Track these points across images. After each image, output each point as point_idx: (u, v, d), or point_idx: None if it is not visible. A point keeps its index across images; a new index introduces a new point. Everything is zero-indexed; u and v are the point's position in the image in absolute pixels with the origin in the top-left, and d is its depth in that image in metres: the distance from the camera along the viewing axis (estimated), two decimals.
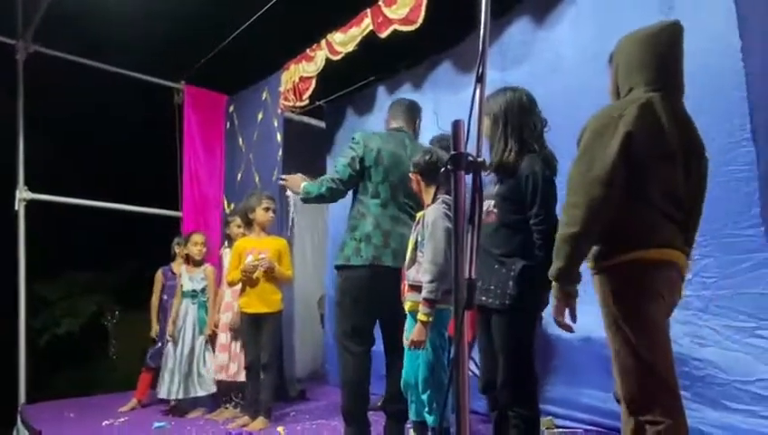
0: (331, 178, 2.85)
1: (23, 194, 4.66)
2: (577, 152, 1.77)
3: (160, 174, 5.16)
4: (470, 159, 1.37)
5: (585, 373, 3.12)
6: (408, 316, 2.59)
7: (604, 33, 2.48)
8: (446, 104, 4.03)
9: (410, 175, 2.64)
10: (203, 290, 4.21)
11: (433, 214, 2.46)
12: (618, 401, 1.77)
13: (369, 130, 4.80)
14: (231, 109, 5.69)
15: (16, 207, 4.64)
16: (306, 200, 2.96)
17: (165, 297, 4.42)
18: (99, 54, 5.19)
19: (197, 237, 4.31)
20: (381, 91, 4.70)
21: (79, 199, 5.14)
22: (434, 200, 2.54)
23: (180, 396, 4.00)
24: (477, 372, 3.48)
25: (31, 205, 4.75)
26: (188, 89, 5.70)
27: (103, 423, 3.88)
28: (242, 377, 3.85)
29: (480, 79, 1.45)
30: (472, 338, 3.30)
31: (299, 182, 2.97)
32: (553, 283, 1.79)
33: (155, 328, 4.38)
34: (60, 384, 6.63)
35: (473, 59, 3.83)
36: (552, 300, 1.84)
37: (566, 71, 3.40)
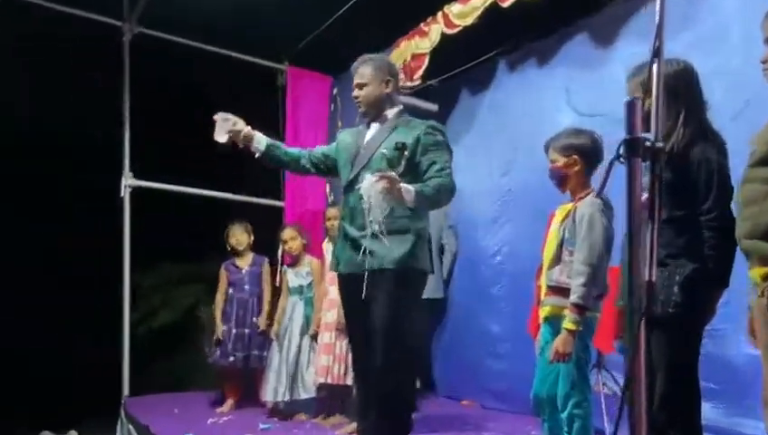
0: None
1: (128, 181, 5.02)
2: None
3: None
4: (647, 144, 1.31)
5: (750, 398, 2.91)
6: (545, 324, 2.56)
7: None
8: (579, 82, 3.92)
9: (559, 157, 2.54)
10: (309, 285, 4.34)
11: (590, 208, 2.40)
12: None
13: (484, 110, 4.81)
14: (335, 91, 5.82)
15: (122, 194, 5.01)
16: (433, 206, 2.88)
17: (231, 291, 4.58)
18: (201, 35, 5.47)
19: (287, 233, 4.46)
20: (502, 67, 4.62)
21: (181, 187, 5.48)
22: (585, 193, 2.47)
23: (287, 398, 4.16)
24: (618, 391, 3.38)
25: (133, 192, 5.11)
26: (292, 70, 5.89)
27: (208, 422, 4.12)
28: (349, 380, 3.94)
29: (657, 53, 1.37)
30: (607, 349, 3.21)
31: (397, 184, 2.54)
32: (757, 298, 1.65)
33: (219, 328, 4.50)
34: (156, 377, 7.14)
35: (613, 30, 3.75)
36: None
37: (729, 42, 3.18)
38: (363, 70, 2.91)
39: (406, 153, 2.77)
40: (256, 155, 2.97)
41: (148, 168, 5.24)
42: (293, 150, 3.12)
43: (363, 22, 5.11)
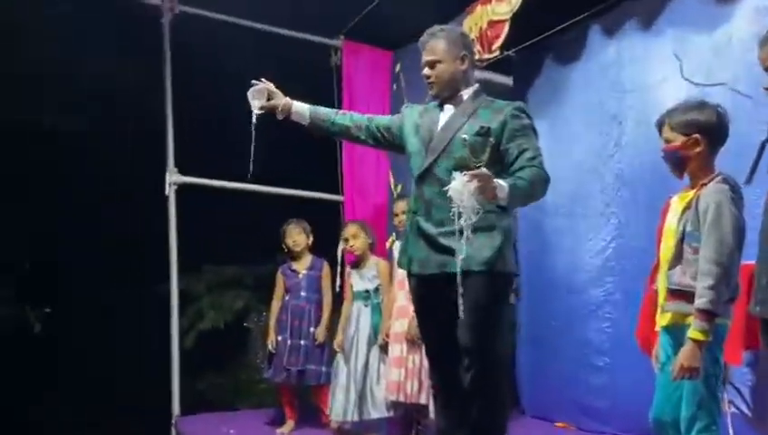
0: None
1: (173, 177, 5.10)
2: None
3: (318, 150, 5.40)
4: None
5: None
6: (664, 334, 2.46)
7: None
8: (693, 46, 3.75)
9: (677, 135, 2.43)
10: (376, 290, 4.33)
11: (716, 195, 2.28)
12: None
13: (574, 84, 4.67)
14: (397, 67, 5.79)
15: (167, 192, 5.09)
16: (527, 201, 2.83)
17: (287, 298, 4.61)
18: (248, 12, 5.52)
19: (349, 230, 4.45)
20: (595, 32, 4.46)
21: (229, 182, 5.54)
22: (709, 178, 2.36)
23: (355, 418, 4.16)
24: (747, 410, 3.25)
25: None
26: (348, 45, 5.89)
27: None
28: (423, 399, 3.91)
29: None
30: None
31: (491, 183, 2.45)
32: None
33: (272, 338, 4.53)
34: (200, 391, 7.30)
35: None
36: None
37: None
38: (434, 44, 2.85)
39: (491, 139, 2.70)
40: (303, 123, 3.03)
41: (194, 162, 5.32)
42: (343, 118, 3.09)
43: None
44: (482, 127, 2.74)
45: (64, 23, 5.67)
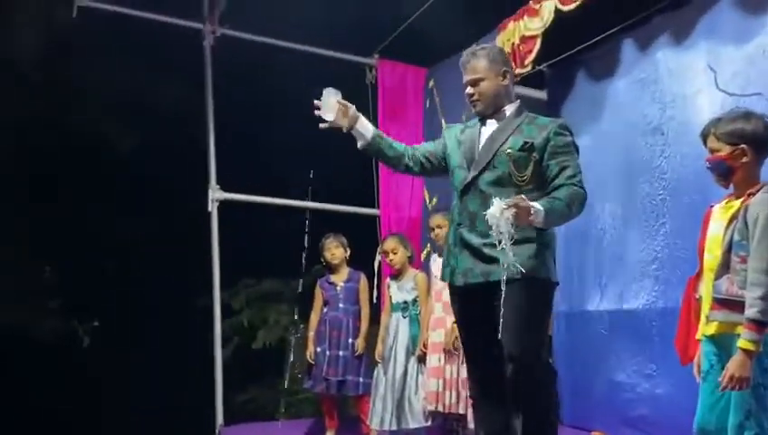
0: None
1: (215, 194, 5.15)
2: None
3: (355, 165, 5.43)
4: None
5: None
6: (707, 343, 2.40)
7: None
8: (728, 58, 3.70)
9: (723, 145, 2.38)
10: (414, 301, 4.31)
11: (766, 206, 2.24)
12: None
13: (610, 97, 4.63)
14: (431, 83, 5.80)
15: (210, 208, 5.14)
16: (563, 221, 2.78)
17: (326, 310, 4.59)
18: (285, 34, 5.59)
19: (387, 244, 4.46)
20: (628, 46, 4.42)
21: (268, 198, 5.59)
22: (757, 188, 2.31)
23: (394, 427, 4.14)
24: None
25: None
26: (382, 64, 5.91)
27: None
28: (461, 409, 3.88)
29: None
30: None
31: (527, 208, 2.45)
32: None
33: (311, 350, 4.52)
34: (242, 402, 7.33)
35: None
36: None
37: None
38: (475, 63, 2.85)
39: (534, 154, 2.71)
40: (359, 144, 2.94)
41: (236, 179, 5.38)
42: (400, 145, 3.04)
43: (458, 6, 5.07)
44: (525, 142, 2.74)
45: (114, 44, 5.83)
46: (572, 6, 4.17)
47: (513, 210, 2.40)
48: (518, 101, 2.94)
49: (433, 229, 4.26)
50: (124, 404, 7.32)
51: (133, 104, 6.72)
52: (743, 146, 2.33)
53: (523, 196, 2.48)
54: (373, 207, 5.90)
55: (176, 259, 7.16)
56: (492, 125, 2.88)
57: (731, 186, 2.44)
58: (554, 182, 2.69)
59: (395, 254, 4.39)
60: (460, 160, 2.91)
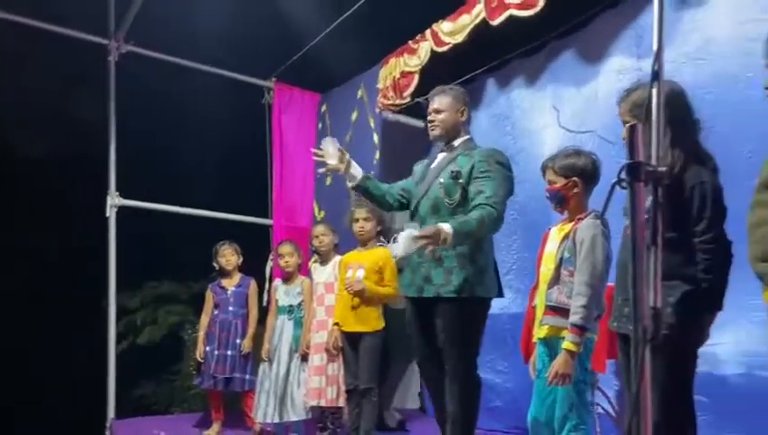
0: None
1: (114, 200, 4.96)
2: None
3: (250, 178, 5.36)
4: (649, 169, 1.30)
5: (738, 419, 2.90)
6: (541, 345, 2.53)
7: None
8: (568, 99, 3.92)
9: (558, 178, 2.52)
10: (299, 305, 4.28)
11: (591, 230, 2.38)
12: None
13: (475, 128, 4.78)
14: (323, 108, 5.81)
15: (107, 214, 4.94)
16: (475, 240, 2.83)
17: (216, 312, 4.50)
18: (189, 53, 5.46)
19: (283, 248, 4.40)
20: (490, 84, 4.62)
21: (167, 206, 5.42)
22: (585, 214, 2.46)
23: (276, 420, 4.09)
24: (612, 411, 3.37)
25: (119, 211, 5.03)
26: (279, 87, 5.88)
27: None
28: (341, 402, 3.88)
29: (657, 76, 1.36)
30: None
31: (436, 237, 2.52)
32: None
33: (201, 349, 4.43)
34: (137, 398, 7.03)
35: (600, 46, 3.77)
36: None
37: (716, 58, 3.21)
38: (441, 98, 3.01)
39: (461, 181, 2.83)
40: (349, 184, 3.07)
41: (135, 187, 5.18)
42: (382, 186, 3.17)
43: (352, 38, 5.12)
44: (453, 171, 2.86)
45: (20, 57, 5.48)
46: (445, 49, 4.33)
47: (423, 241, 2.51)
48: (468, 135, 3.03)
49: (317, 237, 4.25)
50: (22, 402, 6.85)
51: (37, 115, 6.33)
52: (574, 179, 2.48)
53: (437, 225, 2.57)
54: (266, 217, 5.84)
55: (81, 263, 6.78)
56: (440, 156, 3.01)
57: (565, 212, 2.59)
58: (472, 203, 2.79)
59: (291, 257, 4.34)
60: (415, 190, 3.04)
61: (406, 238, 2.53)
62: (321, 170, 3.08)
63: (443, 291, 2.78)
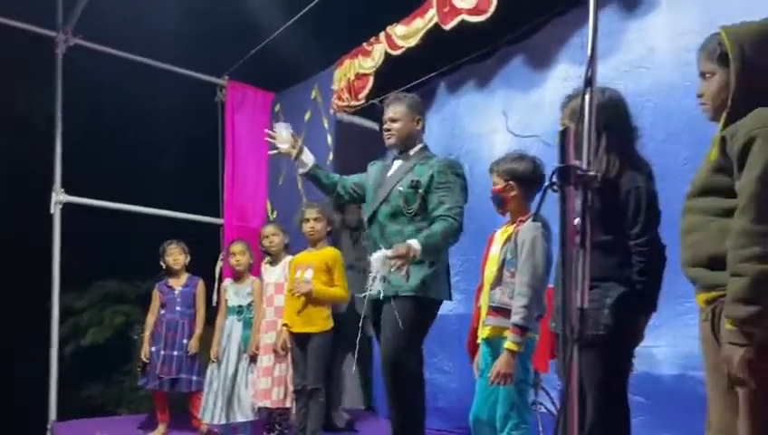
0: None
1: (59, 196, 4.79)
2: (754, 166, 1.58)
3: (201, 177, 5.28)
4: (579, 172, 1.33)
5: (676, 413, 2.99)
6: (484, 345, 2.56)
7: (708, 21, 2.42)
8: (517, 105, 3.99)
9: (500, 180, 2.58)
10: (249, 305, 4.23)
11: (532, 232, 2.43)
12: None
13: (427, 131, 4.81)
14: (277, 108, 5.76)
15: (52, 210, 4.77)
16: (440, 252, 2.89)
17: (163, 312, 4.43)
18: (140, 48, 5.33)
19: (235, 247, 4.35)
20: (442, 88, 4.66)
21: (115, 203, 5.28)
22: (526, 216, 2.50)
23: (223, 421, 4.04)
24: (555, 410, 3.43)
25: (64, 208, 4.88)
26: (232, 85, 5.79)
27: None
28: (288, 403, 3.86)
29: (589, 82, 1.40)
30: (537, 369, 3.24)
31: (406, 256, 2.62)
32: (735, 329, 1.56)
33: (146, 349, 4.36)
34: (84, 399, 6.84)
35: (550, 52, 3.85)
36: (738, 351, 1.56)
37: (657, 67, 3.31)
38: (397, 107, 3.01)
39: (420, 191, 2.86)
40: (300, 170, 3.10)
41: (82, 183, 5.03)
42: (333, 175, 3.20)
43: (306, 38, 5.10)
44: (413, 180, 2.88)
45: None
46: (399, 52, 4.35)
47: (395, 261, 2.58)
48: (423, 144, 3.05)
49: (267, 237, 4.21)
50: None
51: None
52: (512, 182, 2.53)
53: (407, 242, 2.65)
54: (218, 216, 5.75)
55: (24, 262, 6.55)
56: (397, 164, 3.02)
57: (507, 214, 2.63)
58: (434, 214, 2.83)
59: (242, 256, 4.29)
60: (370, 195, 3.04)
61: (378, 260, 2.64)
62: (272, 152, 3.11)
63: (401, 290, 2.81)
